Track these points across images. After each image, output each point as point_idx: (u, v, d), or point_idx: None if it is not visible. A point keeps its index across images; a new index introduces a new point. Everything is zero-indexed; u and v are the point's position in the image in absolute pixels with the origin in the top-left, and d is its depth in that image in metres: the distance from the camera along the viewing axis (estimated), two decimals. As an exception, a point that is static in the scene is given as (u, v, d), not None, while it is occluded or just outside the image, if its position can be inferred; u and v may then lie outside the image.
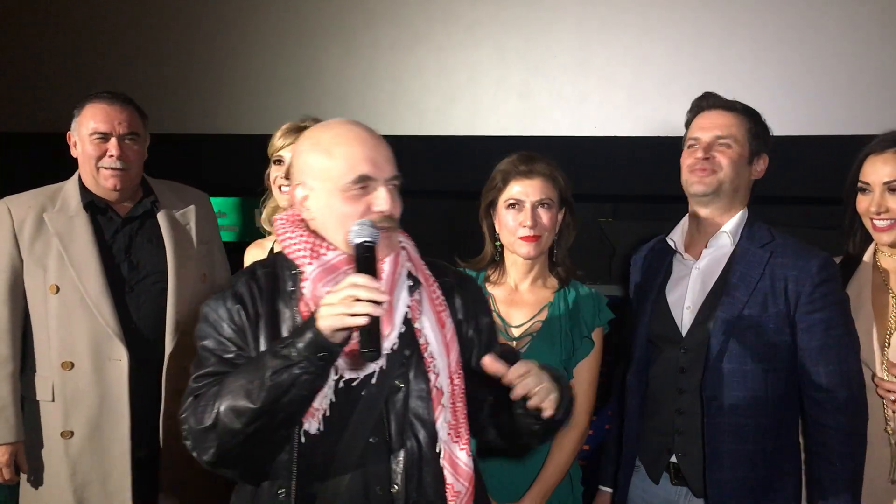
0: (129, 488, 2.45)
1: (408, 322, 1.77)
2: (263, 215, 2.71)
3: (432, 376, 1.74)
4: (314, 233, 1.74)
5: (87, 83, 4.71)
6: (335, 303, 1.55)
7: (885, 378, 2.20)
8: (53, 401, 2.44)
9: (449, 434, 1.73)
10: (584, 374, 2.33)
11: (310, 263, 1.70)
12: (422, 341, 1.75)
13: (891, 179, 2.25)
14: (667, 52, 4.11)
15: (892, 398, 2.19)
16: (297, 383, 1.57)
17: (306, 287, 1.69)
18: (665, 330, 2.30)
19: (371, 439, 1.71)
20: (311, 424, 1.68)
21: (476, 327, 1.90)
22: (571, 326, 2.32)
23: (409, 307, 1.76)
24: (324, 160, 1.70)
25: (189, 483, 2.58)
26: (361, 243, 1.65)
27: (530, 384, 1.66)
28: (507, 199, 2.45)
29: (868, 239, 2.39)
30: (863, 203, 2.32)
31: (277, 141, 2.60)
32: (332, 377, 1.69)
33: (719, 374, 2.13)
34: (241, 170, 4.78)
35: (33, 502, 2.47)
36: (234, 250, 2.98)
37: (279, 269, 1.76)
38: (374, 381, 1.72)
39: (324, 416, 1.68)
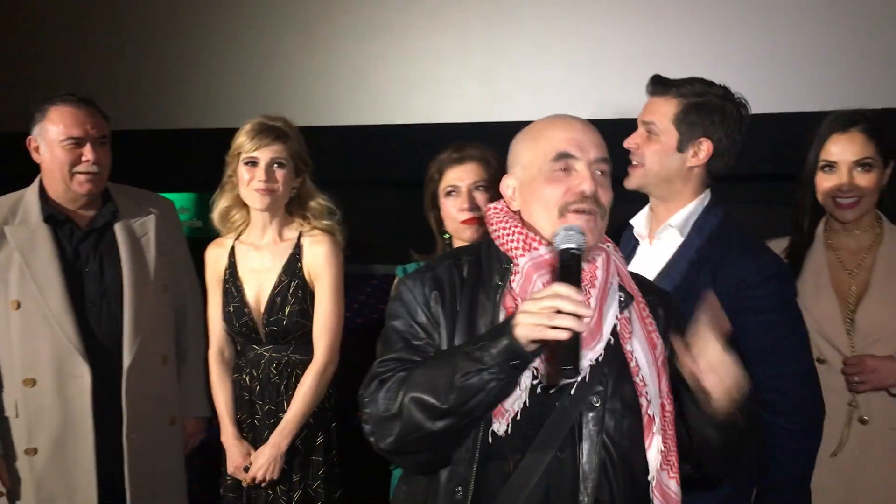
0: (95, 500, 2.45)
1: (614, 335, 1.68)
2: (216, 214, 2.66)
3: (644, 402, 1.65)
4: (527, 224, 1.70)
5: (34, 79, 4.65)
6: (535, 311, 1.48)
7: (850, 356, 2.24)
8: (17, 417, 2.42)
9: (660, 463, 1.66)
10: None
11: (522, 255, 1.65)
12: (633, 364, 1.67)
13: (859, 157, 2.27)
14: (625, 36, 4.13)
15: (856, 379, 2.23)
16: (486, 389, 1.52)
17: (517, 281, 1.64)
18: None
19: (559, 453, 1.62)
20: (500, 425, 1.61)
21: (671, 348, 1.76)
22: None
23: (618, 322, 1.68)
24: (530, 145, 1.71)
25: (157, 495, 2.58)
26: (567, 249, 1.57)
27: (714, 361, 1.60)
28: (444, 188, 2.51)
29: (817, 219, 2.41)
30: (827, 182, 2.33)
31: (248, 143, 2.54)
32: (530, 380, 1.62)
33: None
34: (200, 164, 4.74)
35: None
36: (196, 246, 2.95)
37: (485, 260, 1.72)
38: (572, 392, 1.64)
39: (513, 418, 1.61)
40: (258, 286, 2.64)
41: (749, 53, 4.01)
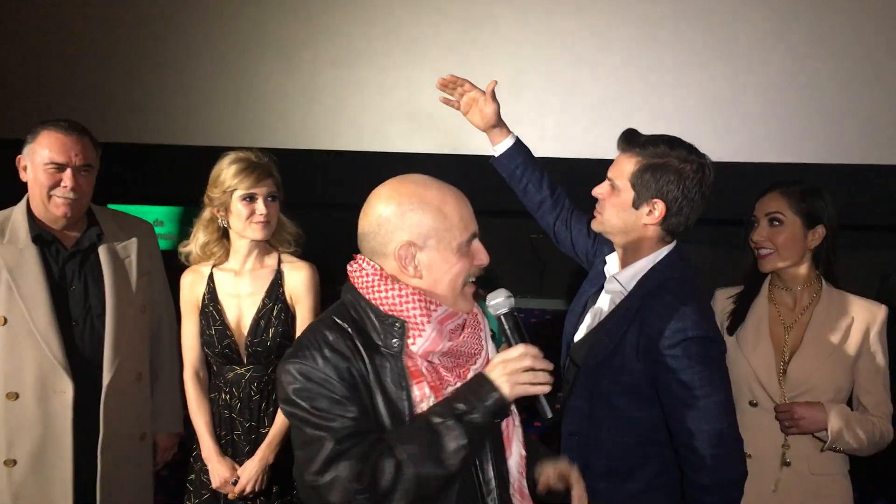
0: None
1: None
2: (197, 248, 2.69)
3: (516, 417, 1.86)
4: (418, 289, 1.71)
5: (28, 92, 4.70)
6: (519, 371, 1.66)
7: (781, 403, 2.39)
8: None
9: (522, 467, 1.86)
10: None
11: (427, 319, 1.68)
12: None
13: (770, 212, 2.44)
14: (596, 79, 4.28)
15: (787, 423, 2.38)
16: (481, 443, 1.70)
17: (419, 343, 1.68)
18: (567, 338, 2.39)
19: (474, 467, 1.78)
20: None
21: None
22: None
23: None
24: (438, 219, 1.69)
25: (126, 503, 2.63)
26: (510, 312, 1.72)
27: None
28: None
29: (763, 273, 2.55)
30: (754, 235, 2.49)
31: (245, 180, 2.59)
32: None
33: (579, 412, 2.20)
34: (180, 180, 4.81)
35: None
36: (171, 258, 3.02)
37: (369, 323, 1.71)
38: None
39: None
40: (238, 310, 2.72)
41: (713, 104, 4.17)
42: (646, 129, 2.26)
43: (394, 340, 1.68)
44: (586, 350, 2.21)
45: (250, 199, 2.64)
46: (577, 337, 2.31)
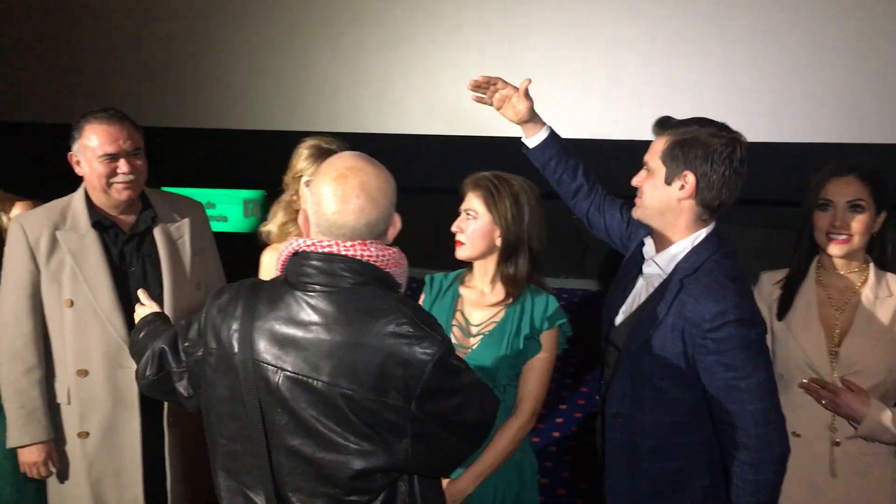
0: (141, 481, 2.63)
1: None
2: (275, 227, 2.77)
3: None
4: None
5: (93, 81, 4.85)
6: None
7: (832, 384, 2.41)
8: (70, 404, 2.61)
9: None
10: (530, 373, 2.45)
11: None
12: None
13: (852, 199, 2.42)
14: (639, 59, 4.27)
15: (825, 404, 2.39)
16: None
17: None
18: (607, 322, 2.39)
19: None
20: None
21: None
22: (520, 328, 2.45)
23: None
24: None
25: (194, 473, 2.75)
26: None
27: None
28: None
29: (812, 257, 2.55)
30: (822, 220, 2.47)
31: (308, 168, 2.68)
32: None
33: (622, 394, 2.22)
34: (229, 163, 4.92)
35: (57, 496, 2.66)
36: (223, 239, 3.12)
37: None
38: None
39: None
40: None
41: (757, 84, 4.14)
42: (691, 111, 2.27)
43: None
44: (627, 333, 2.23)
45: None
46: (618, 320, 2.32)
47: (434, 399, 1.58)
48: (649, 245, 2.29)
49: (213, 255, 2.91)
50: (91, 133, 2.53)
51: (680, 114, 2.23)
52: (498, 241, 2.43)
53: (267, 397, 1.61)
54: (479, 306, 2.50)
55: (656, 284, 2.22)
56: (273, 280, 1.73)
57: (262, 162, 4.58)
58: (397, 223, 1.74)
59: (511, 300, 2.45)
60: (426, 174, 4.44)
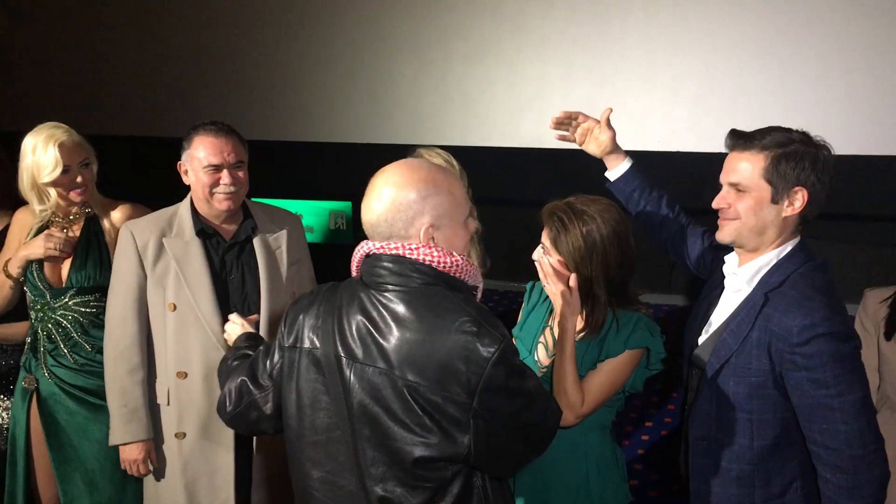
0: (233, 484, 2.70)
1: None
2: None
3: None
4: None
5: (183, 96, 5.02)
6: None
7: None
8: (169, 405, 2.70)
9: None
10: (591, 374, 2.37)
11: (479, 281, 1.89)
12: None
13: None
14: (731, 70, 4.18)
15: None
16: None
17: None
18: (688, 346, 2.31)
19: None
20: None
21: None
22: (598, 357, 2.38)
23: None
24: (449, 200, 1.81)
25: (278, 477, 2.81)
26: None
27: None
28: None
29: None
30: None
31: None
32: None
33: (706, 416, 2.13)
34: (315, 175, 5.02)
35: (153, 495, 2.76)
36: (313, 250, 3.19)
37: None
38: None
39: None
40: None
41: (856, 95, 4.00)
42: (785, 122, 2.17)
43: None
44: (710, 352, 2.14)
45: None
46: (700, 340, 2.23)
47: (495, 396, 1.66)
48: (731, 260, 2.21)
49: (308, 265, 2.98)
50: (199, 144, 2.63)
51: (773, 124, 2.15)
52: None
53: (348, 387, 1.74)
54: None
55: (739, 300, 2.13)
56: (349, 280, 1.86)
57: (348, 174, 4.68)
58: (444, 217, 1.80)
59: (589, 332, 2.35)
60: (511, 186, 4.43)
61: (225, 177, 2.63)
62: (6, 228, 2.96)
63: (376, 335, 1.72)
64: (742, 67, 4.16)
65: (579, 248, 2.29)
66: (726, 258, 2.22)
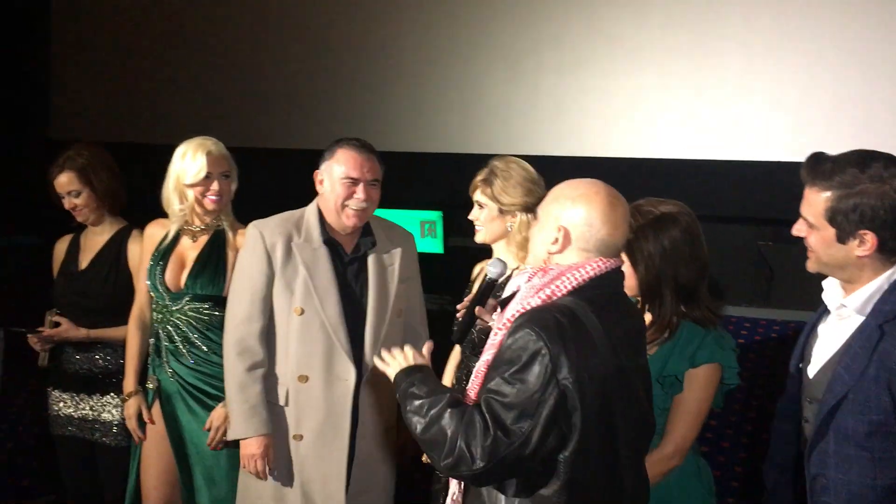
0: (344, 490, 2.79)
1: None
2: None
3: None
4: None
5: (286, 105, 5.18)
6: None
7: None
8: (287, 406, 2.81)
9: None
10: (675, 409, 2.33)
11: None
12: None
13: None
14: (835, 79, 4.04)
15: None
16: None
17: None
18: (796, 371, 2.23)
19: None
20: None
21: None
22: (665, 368, 2.33)
23: None
24: (582, 212, 1.94)
25: (369, 494, 2.89)
26: (493, 280, 2.19)
27: None
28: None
29: None
30: None
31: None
32: None
33: (824, 453, 2.03)
34: (406, 184, 5.07)
35: (269, 493, 2.82)
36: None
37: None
38: None
39: None
40: None
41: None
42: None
43: None
44: (824, 387, 2.03)
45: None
46: (812, 372, 2.14)
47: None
48: (831, 289, 2.11)
49: (417, 283, 3.05)
50: (341, 156, 2.76)
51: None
52: (634, 280, 2.35)
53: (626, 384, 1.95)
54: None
55: (851, 330, 2.02)
56: (578, 303, 1.91)
57: (439, 183, 4.72)
58: None
59: (657, 340, 2.34)
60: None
61: (360, 191, 2.74)
62: (119, 235, 3.25)
63: (630, 336, 2.04)
64: (845, 77, 4.01)
65: (645, 246, 2.34)
66: (824, 284, 2.13)
